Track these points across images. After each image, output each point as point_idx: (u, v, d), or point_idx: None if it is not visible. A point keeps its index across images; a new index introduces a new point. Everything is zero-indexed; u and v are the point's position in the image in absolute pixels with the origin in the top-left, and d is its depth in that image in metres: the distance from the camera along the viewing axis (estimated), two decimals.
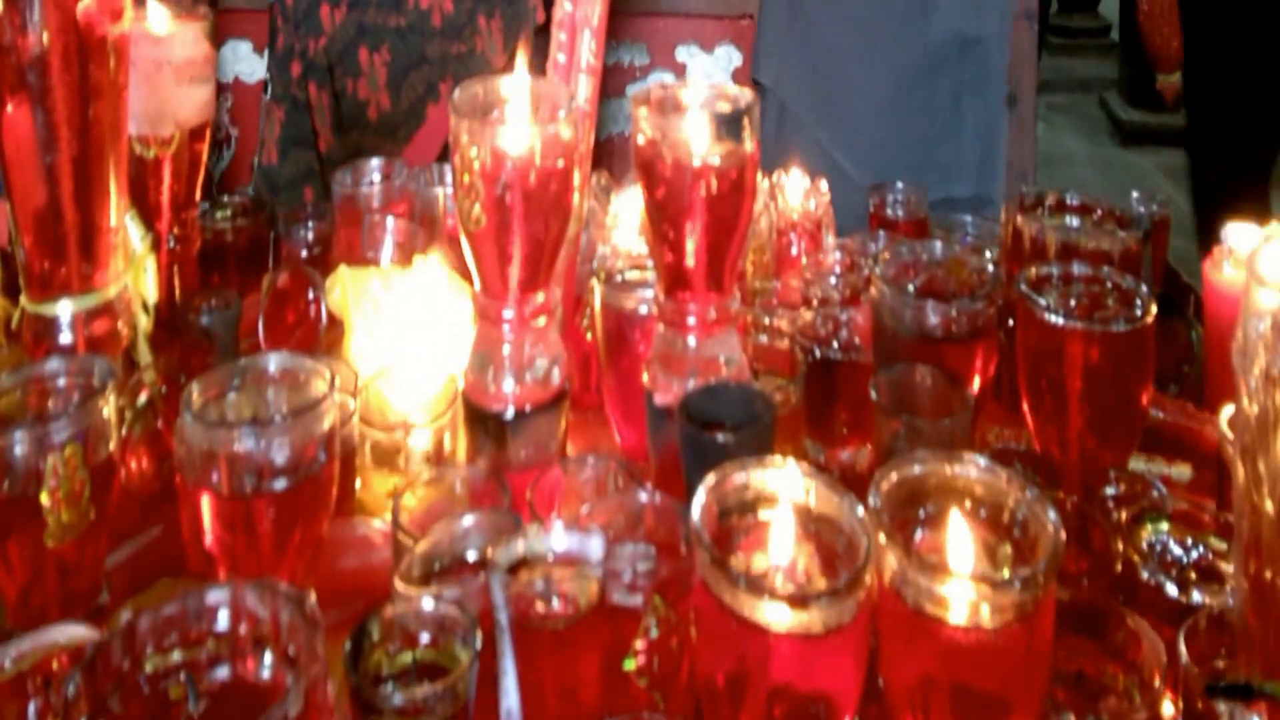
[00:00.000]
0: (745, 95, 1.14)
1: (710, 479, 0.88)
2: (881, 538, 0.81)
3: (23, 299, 1.26)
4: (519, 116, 1.11)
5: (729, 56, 3.06)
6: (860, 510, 0.84)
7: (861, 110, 2.65)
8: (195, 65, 1.55)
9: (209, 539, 1.01)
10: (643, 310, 1.27)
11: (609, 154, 3.13)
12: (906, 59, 2.64)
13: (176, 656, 0.80)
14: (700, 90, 1.15)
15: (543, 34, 2.39)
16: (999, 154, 2.78)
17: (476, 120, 1.10)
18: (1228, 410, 1.15)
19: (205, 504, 0.99)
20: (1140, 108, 7.49)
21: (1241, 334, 0.79)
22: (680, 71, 3.17)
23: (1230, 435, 1.13)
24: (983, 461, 0.88)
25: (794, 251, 1.66)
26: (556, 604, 0.86)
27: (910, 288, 1.27)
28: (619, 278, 1.34)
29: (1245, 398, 0.78)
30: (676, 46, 3.14)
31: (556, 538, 0.88)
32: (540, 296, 1.14)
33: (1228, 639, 0.91)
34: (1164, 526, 1.07)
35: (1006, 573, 0.82)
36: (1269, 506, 0.75)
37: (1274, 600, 0.77)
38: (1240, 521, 0.81)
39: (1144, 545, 1.05)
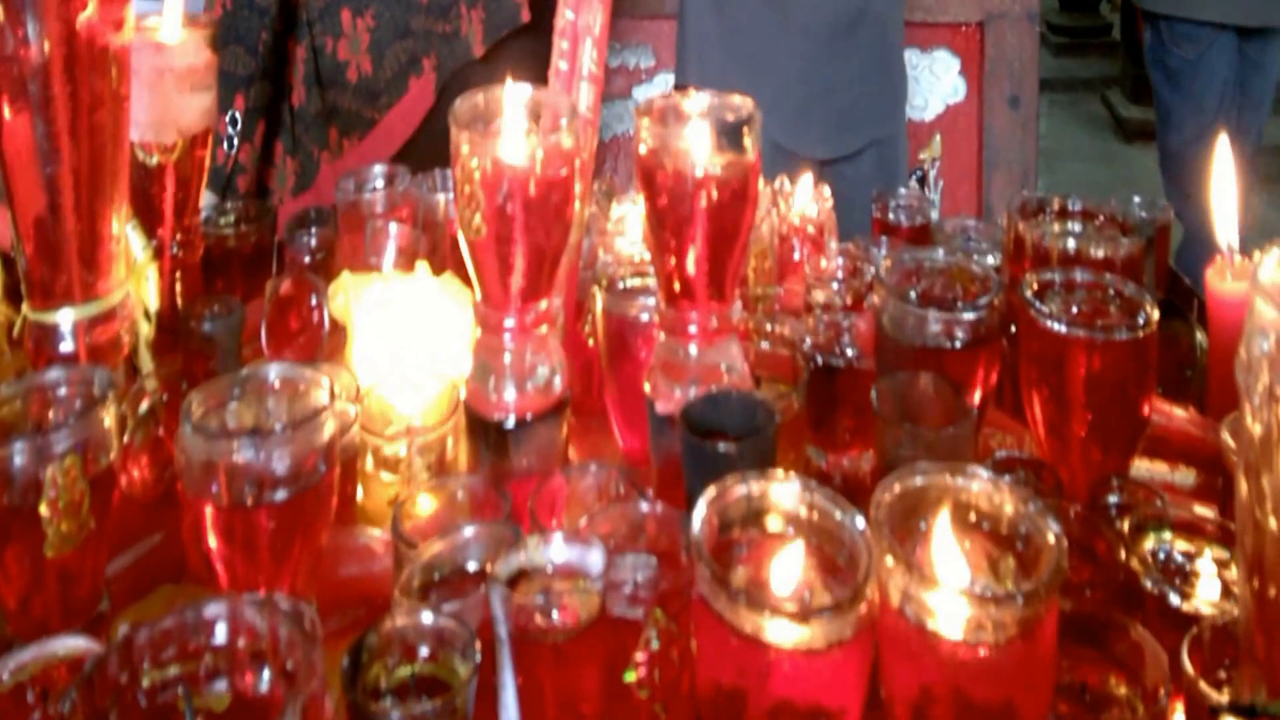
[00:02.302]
0: (747, 104, 1.13)
1: (711, 491, 0.88)
2: (888, 560, 0.80)
3: (25, 306, 1.27)
4: (520, 126, 1.11)
5: None
6: (862, 524, 0.84)
7: (779, 82, 2.71)
8: (197, 73, 1.56)
9: (209, 549, 1.01)
10: (644, 318, 1.27)
11: (614, 154, 3.14)
12: (814, 24, 2.72)
13: (174, 671, 0.79)
14: (703, 99, 1.15)
15: (529, 35, 2.39)
16: (899, 92, 2.90)
17: (477, 130, 1.10)
18: (1230, 418, 1.15)
19: (205, 514, 0.99)
20: (1142, 104, 7.54)
21: (1245, 350, 0.78)
22: None
23: (1232, 444, 1.13)
24: (985, 473, 0.87)
25: (796, 257, 1.65)
26: (556, 616, 0.85)
27: (913, 295, 1.26)
28: (621, 285, 1.33)
29: (1249, 415, 0.78)
30: None
31: (556, 549, 0.88)
32: (542, 305, 1.14)
33: (1231, 649, 0.91)
34: (1167, 535, 1.07)
35: (1009, 587, 0.82)
36: (1272, 524, 0.75)
37: (1279, 617, 0.77)
38: (1243, 538, 0.81)
39: (1147, 554, 1.05)
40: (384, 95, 2.25)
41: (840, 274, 1.54)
